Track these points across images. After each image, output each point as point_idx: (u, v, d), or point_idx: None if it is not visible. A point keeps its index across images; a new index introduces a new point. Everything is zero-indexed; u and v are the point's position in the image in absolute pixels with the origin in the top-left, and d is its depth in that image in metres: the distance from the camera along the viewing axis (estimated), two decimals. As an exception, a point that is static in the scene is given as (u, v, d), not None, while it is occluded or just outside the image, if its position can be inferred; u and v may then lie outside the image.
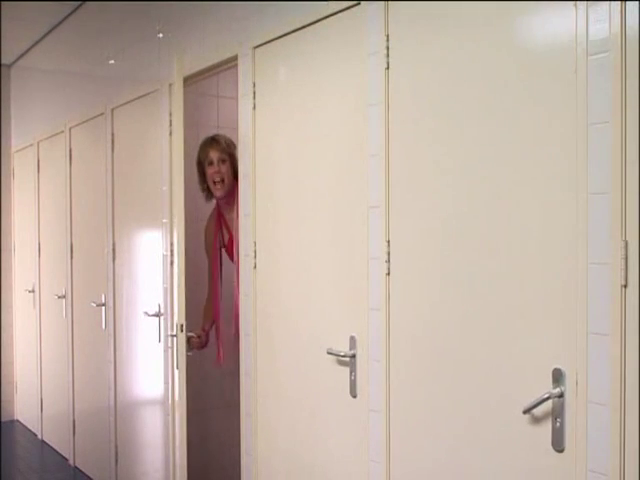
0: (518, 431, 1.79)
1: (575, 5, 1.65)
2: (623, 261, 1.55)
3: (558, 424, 1.69)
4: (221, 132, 3.54)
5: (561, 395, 1.69)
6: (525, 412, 1.73)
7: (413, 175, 2.11)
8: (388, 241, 2.17)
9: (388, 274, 2.18)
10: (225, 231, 3.43)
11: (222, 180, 3.28)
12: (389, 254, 2.17)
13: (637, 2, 1.52)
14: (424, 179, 2.07)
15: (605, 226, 1.60)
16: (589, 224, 1.64)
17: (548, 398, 1.69)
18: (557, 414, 1.69)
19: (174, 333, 2.92)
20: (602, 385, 1.60)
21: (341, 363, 2.40)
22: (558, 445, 1.69)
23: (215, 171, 3.28)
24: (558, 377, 1.70)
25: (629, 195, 1.55)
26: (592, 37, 1.61)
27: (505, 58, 1.84)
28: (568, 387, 1.68)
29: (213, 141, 3.36)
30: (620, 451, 1.57)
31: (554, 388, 1.70)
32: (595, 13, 1.61)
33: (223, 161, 3.29)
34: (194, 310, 3.32)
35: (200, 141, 3.42)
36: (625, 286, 1.56)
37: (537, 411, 1.73)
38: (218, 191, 3.29)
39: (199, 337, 3.35)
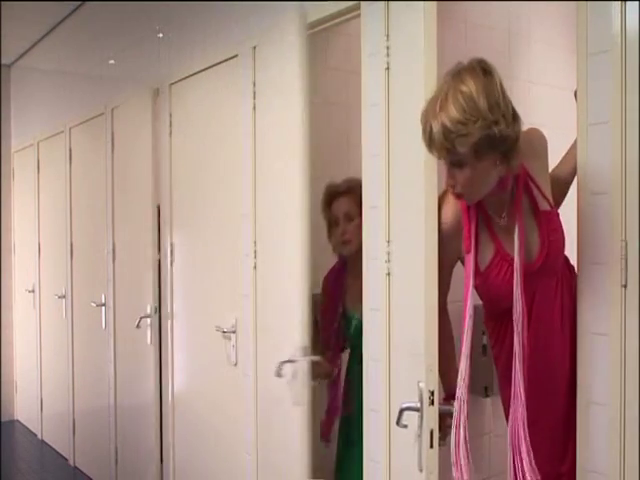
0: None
1: (575, 5, 1.65)
2: (623, 261, 1.55)
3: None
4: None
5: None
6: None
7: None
8: (388, 241, 2.17)
9: (388, 274, 2.17)
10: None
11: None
12: (389, 254, 2.17)
13: (637, 2, 1.52)
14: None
15: (605, 226, 1.60)
16: (589, 224, 1.64)
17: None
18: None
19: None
20: (602, 385, 1.60)
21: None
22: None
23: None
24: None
25: (629, 195, 1.55)
26: (592, 37, 1.61)
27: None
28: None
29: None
30: (620, 451, 1.57)
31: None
32: (595, 13, 1.61)
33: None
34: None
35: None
36: (625, 286, 1.56)
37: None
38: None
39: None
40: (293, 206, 2.35)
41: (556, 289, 1.82)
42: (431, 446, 1.59)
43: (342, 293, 2.72)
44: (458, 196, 1.73)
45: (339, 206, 2.66)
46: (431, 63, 1.65)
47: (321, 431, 2.77)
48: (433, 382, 1.61)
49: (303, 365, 1.93)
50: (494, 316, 1.91)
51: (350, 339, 2.70)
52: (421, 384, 1.62)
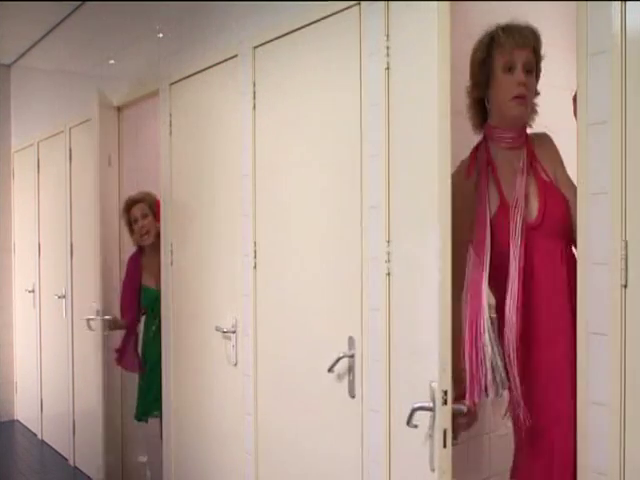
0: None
1: (575, 5, 1.65)
2: (623, 261, 1.56)
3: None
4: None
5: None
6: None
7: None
8: (388, 241, 2.17)
9: (388, 274, 2.17)
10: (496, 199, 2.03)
11: None
12: (389, 254, 2.17)
13: (637, 2, 1.52)
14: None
15: (605, 226, 1.60)
16: (589, 224, 1.64)
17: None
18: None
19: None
20: (602, 385, 1.60)
21: (340, 363, 2.39)
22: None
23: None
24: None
25: (629, 195, 1.55)
26: (592, 37, 1.61)
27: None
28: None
29: None
30: (620, 451, 1.57)
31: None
32: (595, 13, 1.61)
33: None
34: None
35: None
36: (625, 286, 1.56)
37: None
38: None
39: (468, 412, 1.91)
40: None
41: (561, 263, 1.90)
42: (444, 446, 1.59)
43: (141, 272, 3.79)
44: (523, 100, 2.00)
45: (136, 210, 3.70)
46: (444, 65, 1.59)
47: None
48: (446, 382, 1.61)
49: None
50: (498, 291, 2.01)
51: (145, 305, 3.77)
52: (433, 384, 1.62)
